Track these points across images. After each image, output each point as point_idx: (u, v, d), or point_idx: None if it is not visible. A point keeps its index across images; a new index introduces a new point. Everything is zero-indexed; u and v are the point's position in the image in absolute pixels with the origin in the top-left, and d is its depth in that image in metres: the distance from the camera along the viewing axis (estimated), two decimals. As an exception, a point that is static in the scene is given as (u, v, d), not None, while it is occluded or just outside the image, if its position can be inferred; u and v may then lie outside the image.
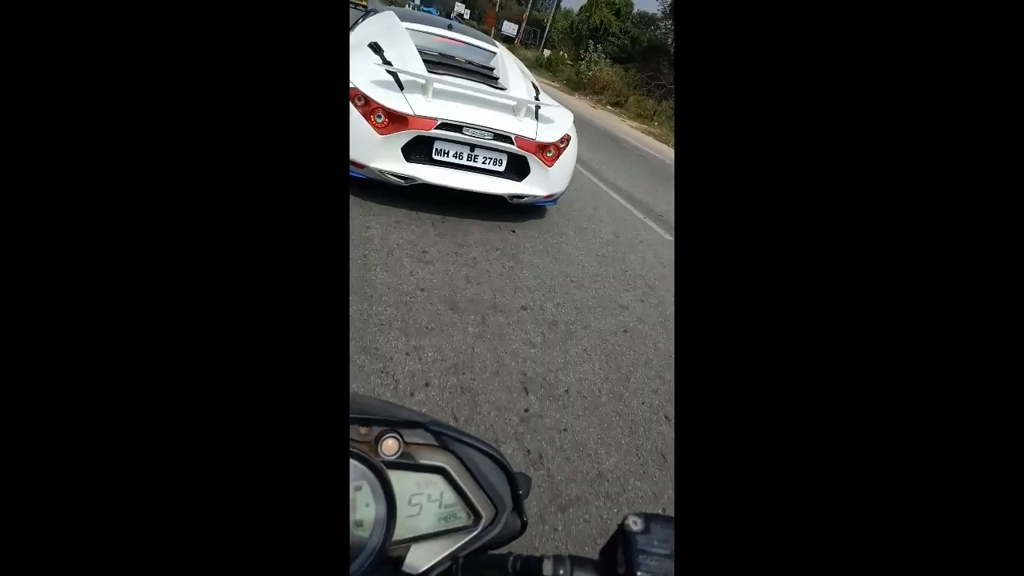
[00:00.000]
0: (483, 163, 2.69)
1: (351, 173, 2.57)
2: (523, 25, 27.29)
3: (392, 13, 3.48)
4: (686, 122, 0.29)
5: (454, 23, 3.90)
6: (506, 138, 2.63)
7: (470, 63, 3.30)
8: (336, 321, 0.26)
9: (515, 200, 2.85)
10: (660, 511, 1.18)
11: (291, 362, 0.25)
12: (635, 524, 0.28)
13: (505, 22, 27.82)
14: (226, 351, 0.24)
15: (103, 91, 0.23)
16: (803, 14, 0.27)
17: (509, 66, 3.33)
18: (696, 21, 0.29)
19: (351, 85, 2.46)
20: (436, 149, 2.57)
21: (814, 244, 0.26)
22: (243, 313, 0.24)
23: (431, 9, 22.05)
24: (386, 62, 2.66)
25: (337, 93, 0.26)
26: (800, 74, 0.27)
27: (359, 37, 3.10)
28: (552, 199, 3.01)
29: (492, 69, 3.36)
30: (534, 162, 2.78)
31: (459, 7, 29.49)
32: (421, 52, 2.86)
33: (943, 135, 0.25)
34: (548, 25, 25.55)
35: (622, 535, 0.28)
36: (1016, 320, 0.24)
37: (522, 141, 2.67)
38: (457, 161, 2.63)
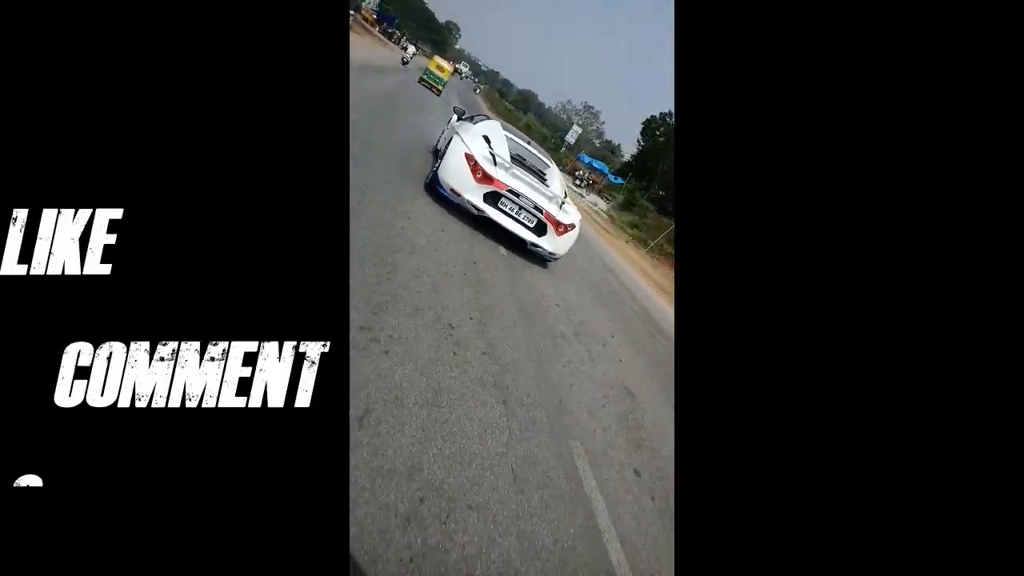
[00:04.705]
0: (523, 219, 4.64)
1: (447, 195, 4.48)
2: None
3: (498, 122, 5.69)
4: (686, 128, 0.33)
5: (532, 141, 6.13)
6: (540, 211, 4.61)
7: (533, 165, 5.41)
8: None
9: (532, 247, 4.74)
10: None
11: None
12: None
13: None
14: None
15: (108, 87, 0.27)
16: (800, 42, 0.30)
17: (556, 177, 5.45)
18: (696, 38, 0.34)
19: (469, 152, 4.48)
20: (501, 201, 4.53)
21: (810, 256, 0.29)
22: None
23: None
24: (490, 149, 4.73)
25: (337, 97, 0.35)
26: (794, 99, 0.30)
27: (477, 129, 5.23)
28: (554, 257, 4.92)
29: (545, 175, 5.47)
30: (550, 230, 4.74)
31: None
32: (509, 150, 4.96)
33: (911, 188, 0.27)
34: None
35: None
36: (1007, 322, 0.23)
37: (548, 216, 4.66)
38: (509, 212, 4.59)
